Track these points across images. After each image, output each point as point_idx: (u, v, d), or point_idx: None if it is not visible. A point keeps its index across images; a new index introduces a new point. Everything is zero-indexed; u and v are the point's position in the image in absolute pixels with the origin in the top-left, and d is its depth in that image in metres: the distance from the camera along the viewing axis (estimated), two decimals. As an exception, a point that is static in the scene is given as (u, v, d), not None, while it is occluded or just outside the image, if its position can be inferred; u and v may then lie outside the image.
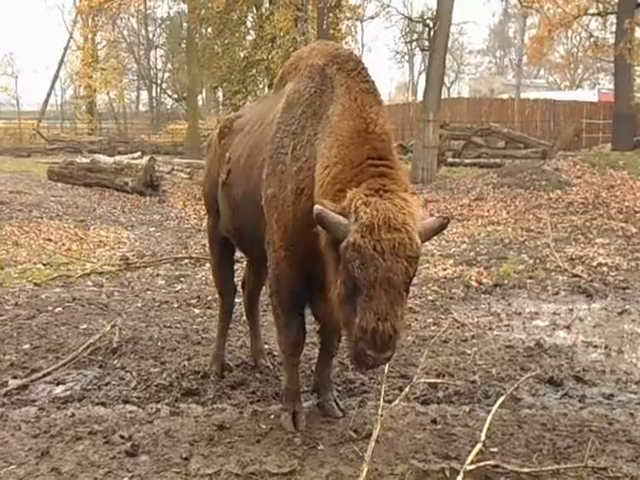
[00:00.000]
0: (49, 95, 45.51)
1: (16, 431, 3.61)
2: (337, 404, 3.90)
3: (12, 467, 3.24)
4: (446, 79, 37.05)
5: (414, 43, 30.42)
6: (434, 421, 3.78)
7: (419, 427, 3.71)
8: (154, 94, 47.29)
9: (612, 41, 22.12)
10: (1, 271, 7.78)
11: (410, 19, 24.57)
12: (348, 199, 2.97)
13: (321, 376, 3.99)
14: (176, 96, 43.17)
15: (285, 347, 3.74)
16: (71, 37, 43.02)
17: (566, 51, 47.76)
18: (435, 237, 3.57)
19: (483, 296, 6.82)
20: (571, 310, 6.27)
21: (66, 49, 43.67)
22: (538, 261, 8.22)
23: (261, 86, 21.83)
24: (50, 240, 9.71)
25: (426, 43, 20.56)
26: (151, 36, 46.21)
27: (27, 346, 5.15)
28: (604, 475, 3.20)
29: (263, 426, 3.67)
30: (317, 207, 2.96)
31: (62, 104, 52.74)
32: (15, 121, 42.32)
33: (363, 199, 2.94)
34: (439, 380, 4.36)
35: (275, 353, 4.88)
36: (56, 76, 45.54)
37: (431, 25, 19.16)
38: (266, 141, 3.76)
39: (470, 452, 3.25)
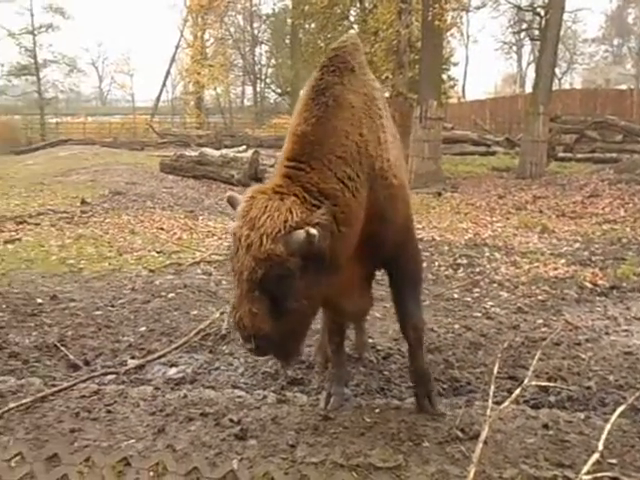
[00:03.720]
0: (161, 91, 47.87)
1: (135, 408, 3.79)
2: (431, 401, 3.77)
3: (132, 441, 3.42)
4: (557, 70, 35.48)
5: (523, 33, 29.37)
6: (546, 426, 3.61)
7: (530, 431, 3.56)
8: (258, 89, 48.45)
9: None
10: (120, 257, 8.26)
11: (519, 8, 23.79)
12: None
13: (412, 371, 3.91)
14: (280, 91, 44.03)
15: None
16: (182, 35, 44.92)
17: (692, 38, 44.43)
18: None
19: (598, 298, 6.46)
20: (697, 316, 5.83)
21: (177, 47, 45.71)
22: (660, 263, 7.71)
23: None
24: (162, 229, 10.18)
25: (536, 32, 19.82)
26: (256, 32, 47.38)
27: (143, 329, 5.42)
28: None
29: (367, 419, 3.65)
30: (228, 193, 3.30)
31: (173, 100, 55.28)
32: (130, 116, 44.79)
33: (247, 195, 3.06)
34: (551, 384, 4.18)
35: (379, 347, 4.87)
36: (168, 73, 47.81)
37: (542, 13, 18.43)
38: None
39: (586, 462, 3.08)
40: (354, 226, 3.22)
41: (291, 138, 3.22)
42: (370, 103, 3.46)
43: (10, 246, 8.89)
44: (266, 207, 2.97)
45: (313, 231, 2.89)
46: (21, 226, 10.33)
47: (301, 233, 2.91)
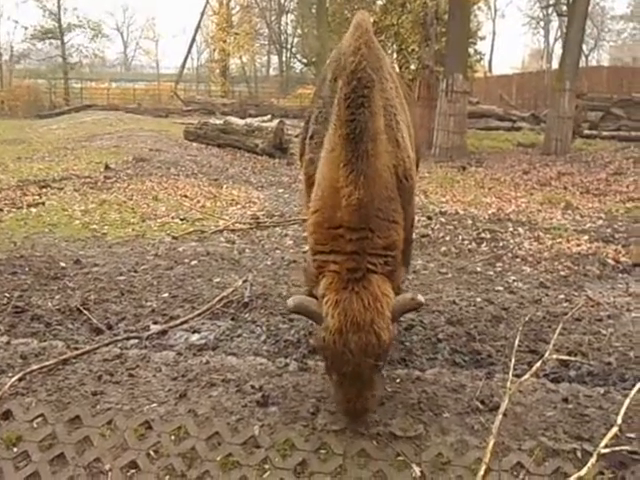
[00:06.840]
0: (186, 59, 47.53)
1: (157, 372, 3.85)
2: None
3: (154, 405, 3.48)
4: (584, 46, 34.68)
5: (551, 8, 28.72)
6: (565, 400, 3.60)
7: (549, 405, 3.55)
8: (284, 58, 48.00)
9: None
10: (143, 223, 8.32)
11: (549, -19, 23.18)
12: (321, 289, 2.97)
13: None
14: (305, 61, 43.51)
15: None
16: (207, 2, 44.48)
17: None
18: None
19: (620, 275, 6.38)
20: None
21: (202, 14, 45.28)
22: (686, 242, 7.57)
23: (390, 52, 21.54)
24: (186, 197, 10.20)
25: (564, 8, 19.38)
26: (282, 1, 46.72)
27: (166, 295, 5.47)
28: None
29: (388, 389, 3.67)
30: (291, 303, 3.02)
31: (198, 67, 55.06)
32: (155, 83, 44.70)
33: (333, 298, 2.91)
34: (572, 358, 4.17)
35: (401, 319, 4.86)
36: (193, 40, 47.41)
37: (570, -11, 17.99)
38: None
39: (605, 435, 3.10)
40: None
41: (346, 208, 2.96)
42: (387, 112, 3.25)
43: (33, 210, 8.99)
44: (362, 303, 2.88)
45: (422, 299, 2.93)
46: (44, 190, 10.40)
47: (404, 302, 2.96)
